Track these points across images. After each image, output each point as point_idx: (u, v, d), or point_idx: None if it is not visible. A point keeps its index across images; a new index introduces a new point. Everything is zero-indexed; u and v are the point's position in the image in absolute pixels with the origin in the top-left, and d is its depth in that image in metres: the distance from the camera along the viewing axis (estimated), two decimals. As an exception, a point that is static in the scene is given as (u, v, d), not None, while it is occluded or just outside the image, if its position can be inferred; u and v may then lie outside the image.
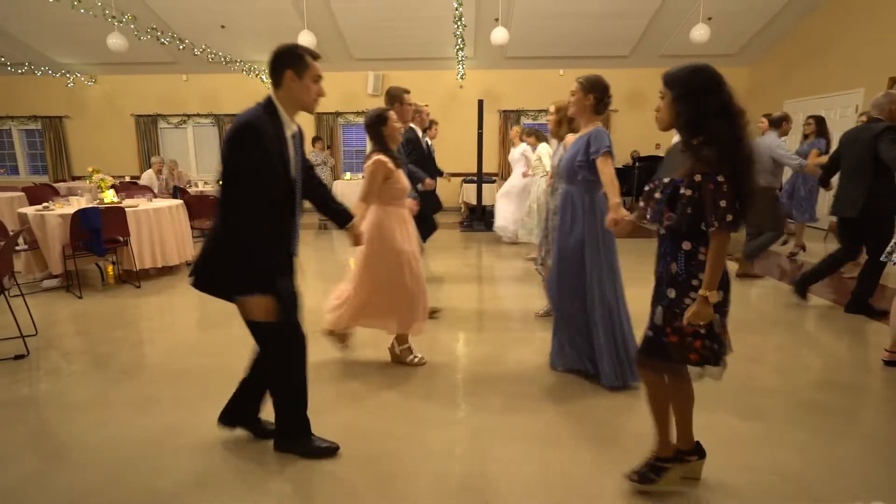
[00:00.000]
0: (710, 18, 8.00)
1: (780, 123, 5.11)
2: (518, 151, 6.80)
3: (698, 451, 2.01)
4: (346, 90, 10.42)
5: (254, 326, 2.04)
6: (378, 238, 2.90)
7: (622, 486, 2.01)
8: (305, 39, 7.72)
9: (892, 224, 3.87)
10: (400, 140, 3.17)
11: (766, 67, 9.64)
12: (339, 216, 2.40)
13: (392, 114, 3.00)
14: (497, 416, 2.58)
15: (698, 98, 1.68)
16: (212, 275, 2.00)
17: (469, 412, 2.65)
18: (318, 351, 3.43)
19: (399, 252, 2.92)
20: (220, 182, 1.90)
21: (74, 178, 10.64)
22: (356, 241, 2.49)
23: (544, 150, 5.62)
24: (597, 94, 2.71)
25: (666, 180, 1.78)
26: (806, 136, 6.06)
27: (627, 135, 10.20)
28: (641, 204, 1.88)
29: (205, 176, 10.62)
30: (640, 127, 10.15)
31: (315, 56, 2.01)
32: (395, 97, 3.87)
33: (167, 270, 5.59)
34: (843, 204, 4.07)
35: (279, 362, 2.12)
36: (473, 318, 4.16)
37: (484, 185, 8.73)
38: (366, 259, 2.94)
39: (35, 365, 3.26)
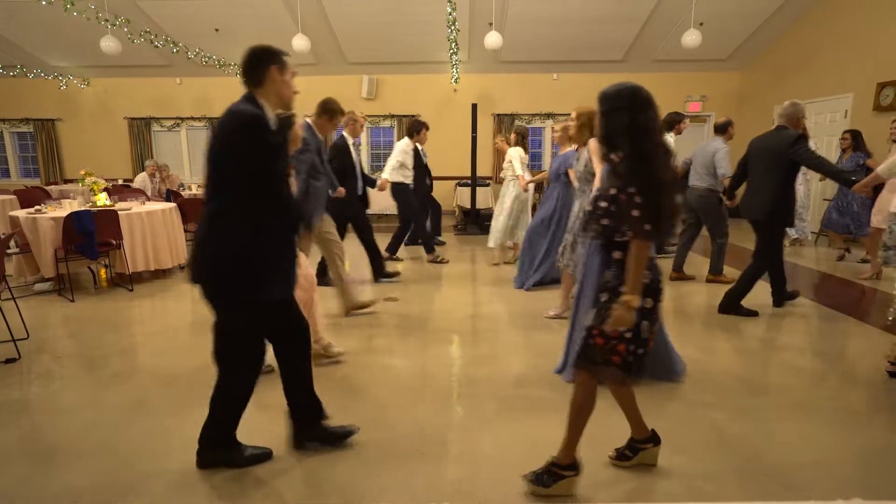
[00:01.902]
0: (701, 24, 8.07)
1: (725, 129, 5.14)
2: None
3: (653, 439, 2.13)
4: (340, 94, 10.23)
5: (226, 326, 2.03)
6: None
7: (617, 487, 2.03)
8: (300, 43, 7.74)
9: (784, 229, 4.09)
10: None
11: (757, 72, 9.74)
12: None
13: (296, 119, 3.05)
14: (491, 419, 2.60)
15: (613, 115, 1.78)
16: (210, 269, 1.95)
17: (463, 415, 2.66)
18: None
19: None
20: (217, 175, 1.89)
21: (66, 181, 10.58)
22: None
23: (514, 153, 5.73)
24: None
25: (595, 193, 1.91)
26: (844, 151, 6.18)
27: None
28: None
29: (198, 179, 10.59)
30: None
31: (287, 54, 2.07)
32: (331, 110, 4.06)
33: (160, 274, 5.58)
34: (752, 207, 4.12)
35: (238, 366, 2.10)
36: (467, 321, 4.18)
37: (478, 189, 8.75)
38: None
39: (26, 368, 3.24)
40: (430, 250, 6.36)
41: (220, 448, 2.16)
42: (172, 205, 5.89)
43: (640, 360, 1.86)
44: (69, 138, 10.92)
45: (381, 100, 10.45)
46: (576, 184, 3.71)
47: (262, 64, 1.98)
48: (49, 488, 2.06)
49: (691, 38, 7.62)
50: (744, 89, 10.12)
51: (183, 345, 3.72)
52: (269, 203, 1.92)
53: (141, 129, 10.80)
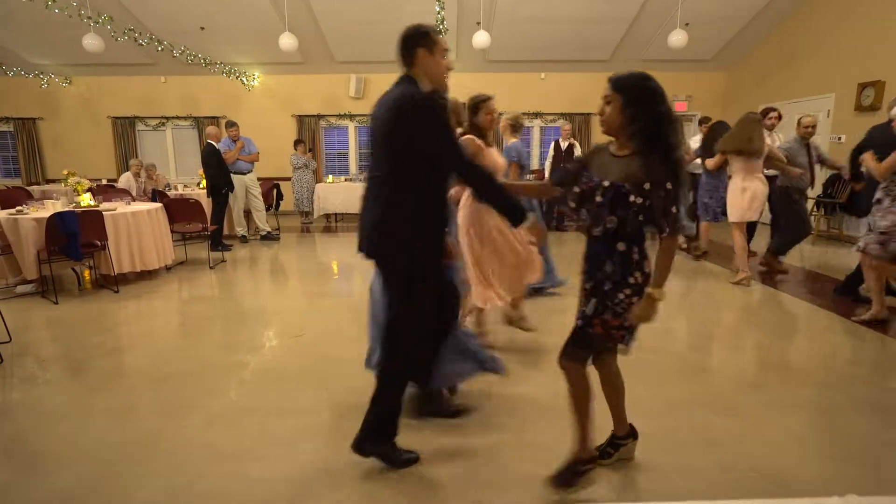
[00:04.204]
0: (687, 24, 8.15)
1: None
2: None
3: (633, 433, 2.16)
4: (328, 93, 10.37)
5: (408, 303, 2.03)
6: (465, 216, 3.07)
7: (608, 486, 2.04)
8: (287, 42, 7.68)
9: None
10: (492, 129, 3.40)
11: (742, 72, 9.86)
12: None
13: (491, 103, 3.33)
14: (485, 417, 2.59)
15: (651, 105, 1.71)
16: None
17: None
18: (301, 352, 3.40)
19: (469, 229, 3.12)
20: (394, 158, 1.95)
21: (48, 181, 10.39)
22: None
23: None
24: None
25: (606, 184, 1.76)
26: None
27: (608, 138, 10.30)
28: (573, 205, 1.87)
29: (184, 178, 10.46)
30: (621, 130, 10.30)
31: (438, 31, 2.09)
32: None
33: (146, 275, 5.50)
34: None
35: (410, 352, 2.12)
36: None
37: (467, 188, 8.75)
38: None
39: (9, 372, 3.18)
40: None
41: (381, 441, 2.14)
42: (158, 205, 5.81)
43: (631, 334, 1.90)
44: (51, 138, 10.72)
45: (370, 99, 10.35)
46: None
47: (409, 47, 2.02)
48: (34, 495, 2.02)
49: (677, 38, 7.69)
50: (728, 89, 10.25)
51: (170, 346, 3.67)
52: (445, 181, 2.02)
53: (125, 129, 10.64)
